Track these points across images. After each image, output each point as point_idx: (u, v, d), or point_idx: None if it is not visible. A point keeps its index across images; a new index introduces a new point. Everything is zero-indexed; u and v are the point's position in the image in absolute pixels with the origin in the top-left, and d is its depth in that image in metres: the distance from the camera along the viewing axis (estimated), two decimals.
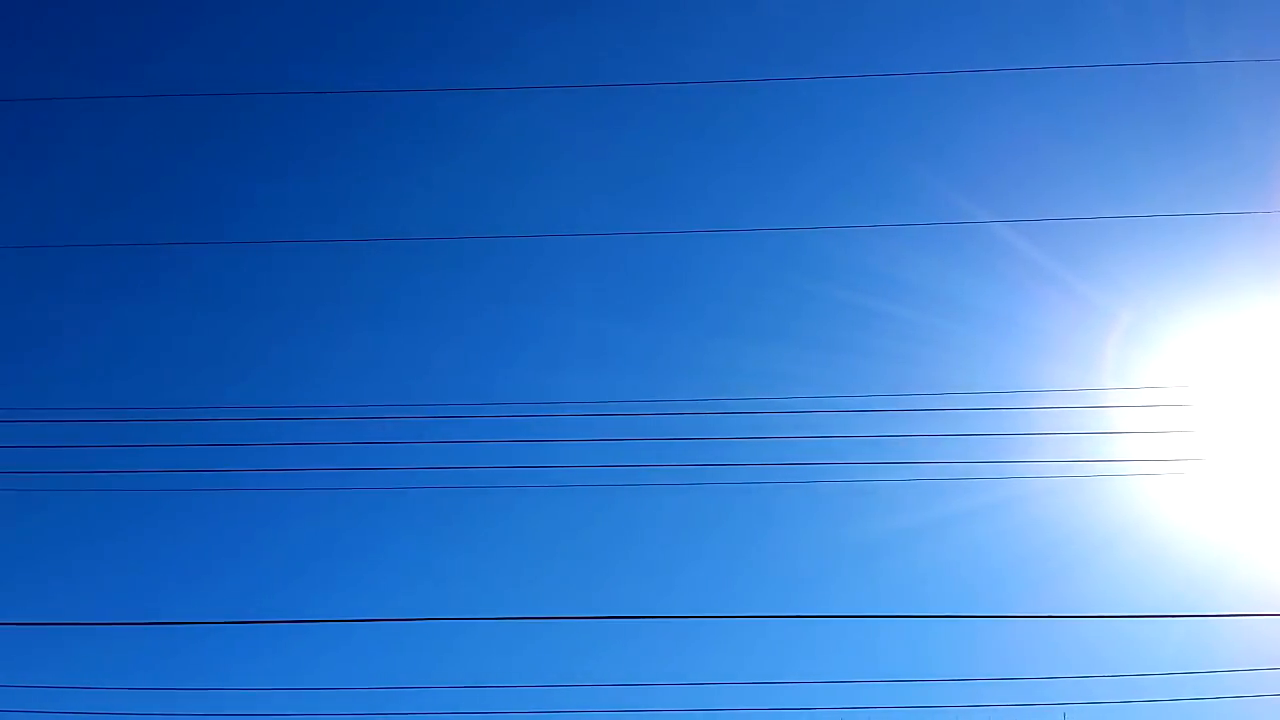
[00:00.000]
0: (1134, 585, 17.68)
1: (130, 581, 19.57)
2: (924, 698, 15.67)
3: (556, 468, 15.20)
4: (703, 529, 19.74)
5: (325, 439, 14.87)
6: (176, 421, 15.33)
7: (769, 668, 17.31)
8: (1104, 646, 15.87)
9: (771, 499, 17.63)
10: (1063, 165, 19.38)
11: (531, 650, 17.45)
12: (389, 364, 19.70)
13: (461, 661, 17.60)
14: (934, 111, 19.62)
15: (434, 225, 19.55)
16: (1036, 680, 15.50)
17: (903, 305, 19.21)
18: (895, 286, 19.08)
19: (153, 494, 16.39)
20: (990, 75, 18.64)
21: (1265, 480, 15.96)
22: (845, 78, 18.65)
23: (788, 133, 20.36)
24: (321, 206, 20.33)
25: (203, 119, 19.57)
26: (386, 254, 18.85)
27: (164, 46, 20.29)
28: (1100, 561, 18.11)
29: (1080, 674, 15.46)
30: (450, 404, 15.41)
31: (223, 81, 19.33)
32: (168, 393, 18.50)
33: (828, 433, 14.82)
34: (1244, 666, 15.12)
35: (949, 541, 18.20)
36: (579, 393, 16.30)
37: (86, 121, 19.33)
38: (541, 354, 19.98)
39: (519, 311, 19.95)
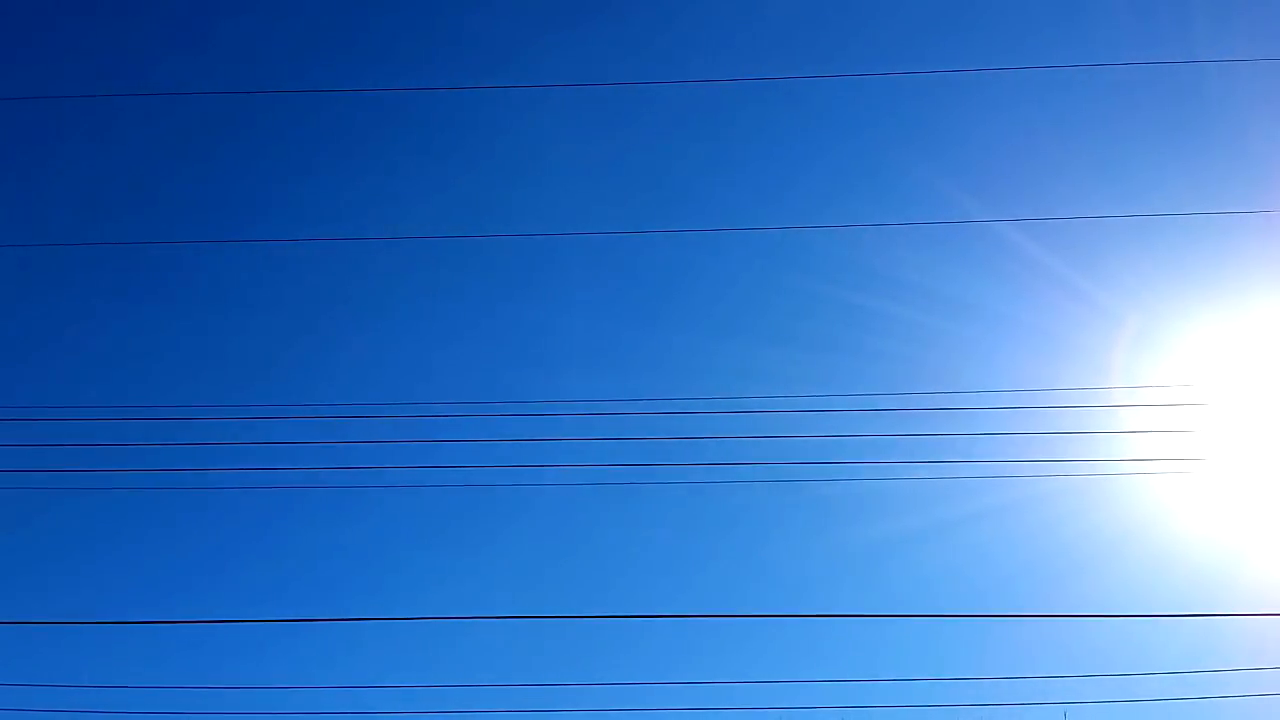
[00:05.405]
0: (1138, 585, 17.65)
1: (131, 581, 19.61)
2: (926, 697, 15.65)
3: (557, 468, 15.17)
4: (705, 529, 19.73)
5: (326, 439, 14.86)
6: (177, 421, 15.32)
7: (772, 667, 17.30)
8: (1107, 646, 15.83)
9: (774, 499, 17.61)
10: (1067, 164, 19.35)
11: (532, 650, 17.44)
12: (389, 364, 19.72)
13: (461, 661, 17.57)
14: (938, 111, 19.62)
15: (435, 225, 19.55)
16: (1038, 679, 15.45)
17: (907, 306, 19.18)
18: (900, 287, 19.06)
19: (154, 494, 16.41)
20: (995, 74, 18.60)
21: (1270, 481, 15.87)
22: (849, 77, 18.64)
23: (790, 133, 20.38)
24: (323, 207, 20.38)
25: (205, 119, 19.63)
26: (387, 254, 18.89)
27: (167, 46, 20.36)
28: (1104, 562, 18.07)
29: (1082, 673, 15.42)
30: (450, 404, 15.39)
31: (226, 81, 19.40)
32: (169, 393, 18.52)
33: (831, 433, 14.77)
34: (1247, 666, 15.06)
35: (952, 542, 18.17)
36: (580, 393, 16.26)
37: (87, 121, 19.38)
38: (542, 354, 19.98)
39: (520, 311, 19.95)
